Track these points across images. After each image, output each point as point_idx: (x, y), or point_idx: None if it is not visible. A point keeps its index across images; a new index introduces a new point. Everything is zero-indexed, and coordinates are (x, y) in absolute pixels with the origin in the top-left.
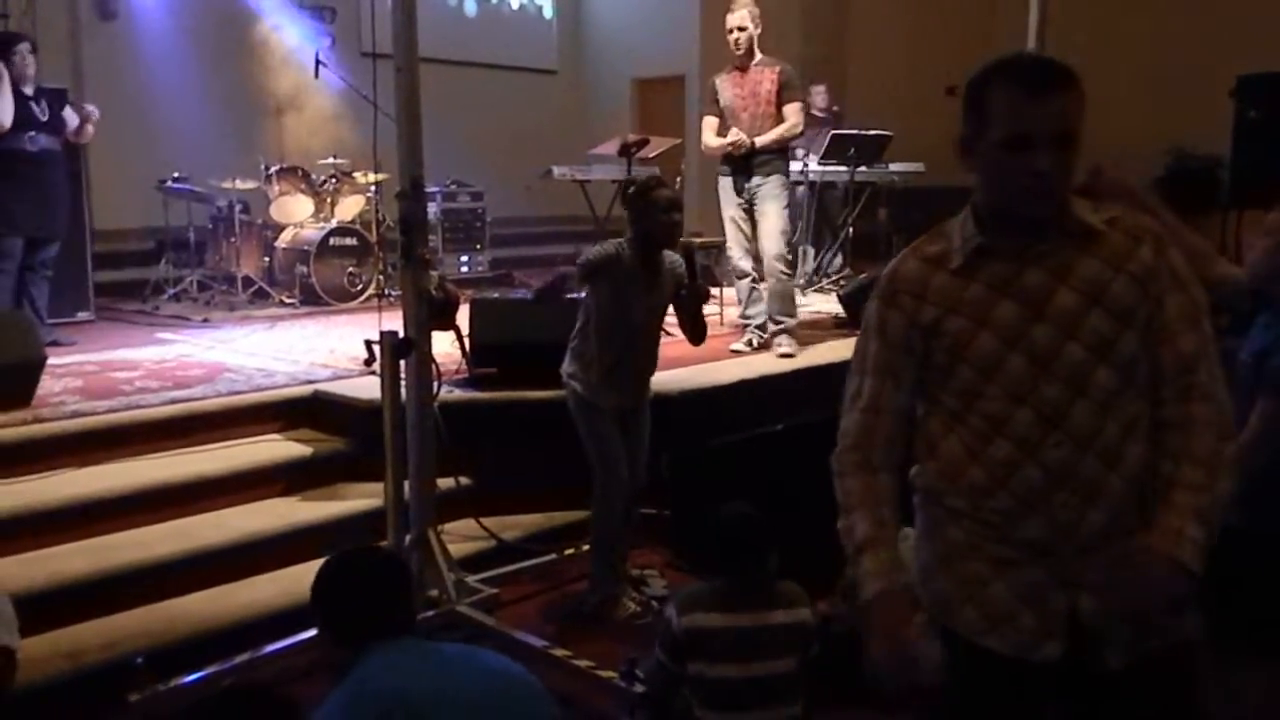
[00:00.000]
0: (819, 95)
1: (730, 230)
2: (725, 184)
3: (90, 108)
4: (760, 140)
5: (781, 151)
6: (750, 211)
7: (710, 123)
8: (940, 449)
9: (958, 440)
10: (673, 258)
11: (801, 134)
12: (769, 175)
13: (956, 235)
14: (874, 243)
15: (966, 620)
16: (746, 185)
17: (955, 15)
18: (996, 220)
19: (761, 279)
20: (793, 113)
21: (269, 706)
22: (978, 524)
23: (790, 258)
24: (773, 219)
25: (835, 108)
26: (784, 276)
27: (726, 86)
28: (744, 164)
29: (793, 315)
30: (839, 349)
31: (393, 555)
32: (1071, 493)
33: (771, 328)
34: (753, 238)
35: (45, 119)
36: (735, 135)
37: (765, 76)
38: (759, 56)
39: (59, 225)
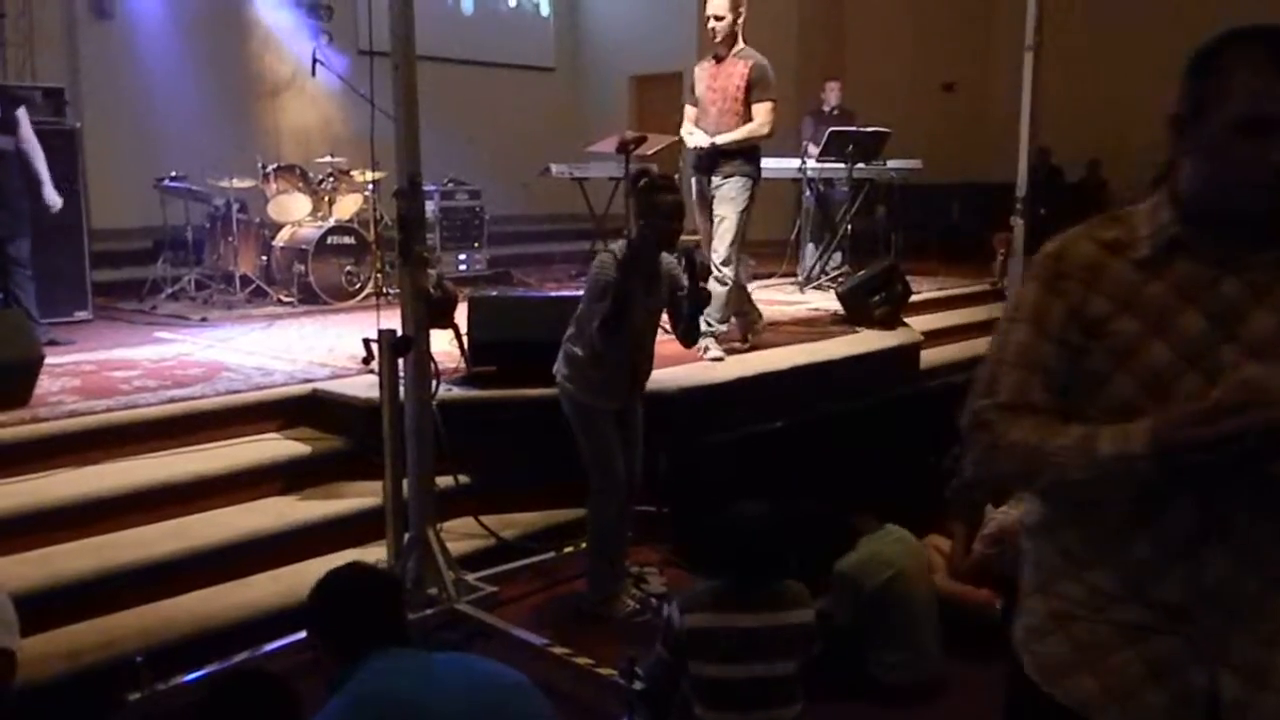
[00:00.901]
0: (832, 93)
1: (702, 229)
2: (692, 184)
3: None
4: (721, 139)
5: (747, 152)
6: (710, 211)
7: (688, 113)
8: (1099, 508)
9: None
10: (669, 259)
11: (770, 135)
12: (729, 177)
13: (1145, 223)
14: (873, 240)
15: (1081, 691)
16: (708, 185)
17: (953, 12)
18: (1203, 213)
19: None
20: (761, 113)
21: (268, 690)
22: (1106, 577)
23: (733, 261)
24: (726, 223)
25: (842, 106)
26: (720, 283)
27: (702, 77)
28: (708, 163)
29: (724, 321)
30: (838, 347)
31: (385, 571)
32: (1228, 547)
33: (705, 329)
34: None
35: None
36: (697, 138)
37: (737, 70)
38: (740, 48)
39: (17, 223)
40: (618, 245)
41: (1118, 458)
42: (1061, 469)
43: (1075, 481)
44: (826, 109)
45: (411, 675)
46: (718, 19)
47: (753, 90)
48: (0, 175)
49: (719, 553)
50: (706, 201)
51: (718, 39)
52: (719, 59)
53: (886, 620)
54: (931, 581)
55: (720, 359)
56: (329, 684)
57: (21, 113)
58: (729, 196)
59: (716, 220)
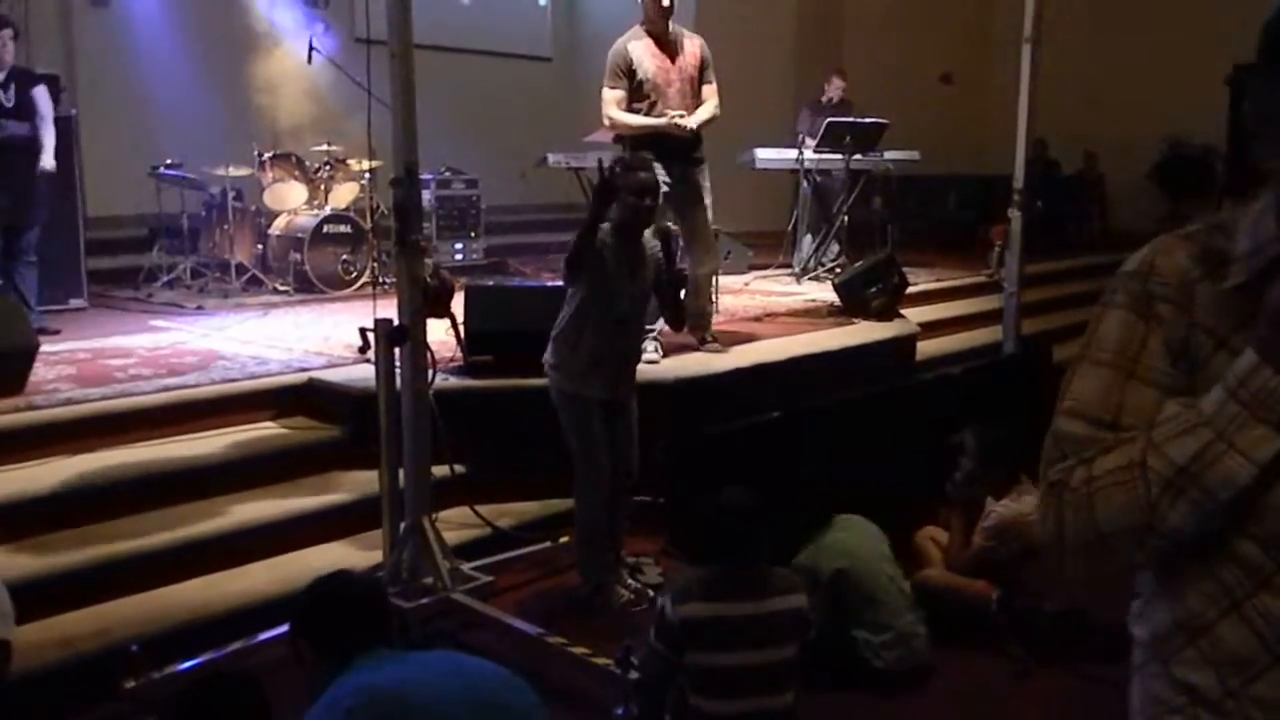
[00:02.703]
0: (836, 88)
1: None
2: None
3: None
4: (695, 122)
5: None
6: (670, 200)
7: (618, 96)
8: (1184, 577)
9: (1205, 571)
10: (652, 243)
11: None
12: (701, 164)
13: (1244, 235)
14: (869, 231)
15: None
16: (677, 172)
17: (951, 4)
18: None
19: None
20: (714, 94)
21: (240, 693)
22: (1194, 670)
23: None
24: (708, 212)
25: (843, 98)
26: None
27: (647, 57)
28: (678, 148)
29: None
30: (834, 338)
31: (369, 577)
32: None
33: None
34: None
35: (11, 105)
36: (679, 118)
37: (690, 50)
38: (672, 25)
39: (33, 211)
40: (602, 229)
41: (1239, 385)
42: (1169, 456)
43: (1191, 466)
44: (825, 100)
45: (396, 670)
46: None
47: (705, 71)
48: (15, 163)
49: (704, 539)
50: (670, 193)
51: (666, 18)
52: (659, 37)
53: (855, 604)
54: (895, 563)
55: (722, 350)
56: (311, 688)
57: (39, 91)
58: (706, 185)
59: (697, 211)
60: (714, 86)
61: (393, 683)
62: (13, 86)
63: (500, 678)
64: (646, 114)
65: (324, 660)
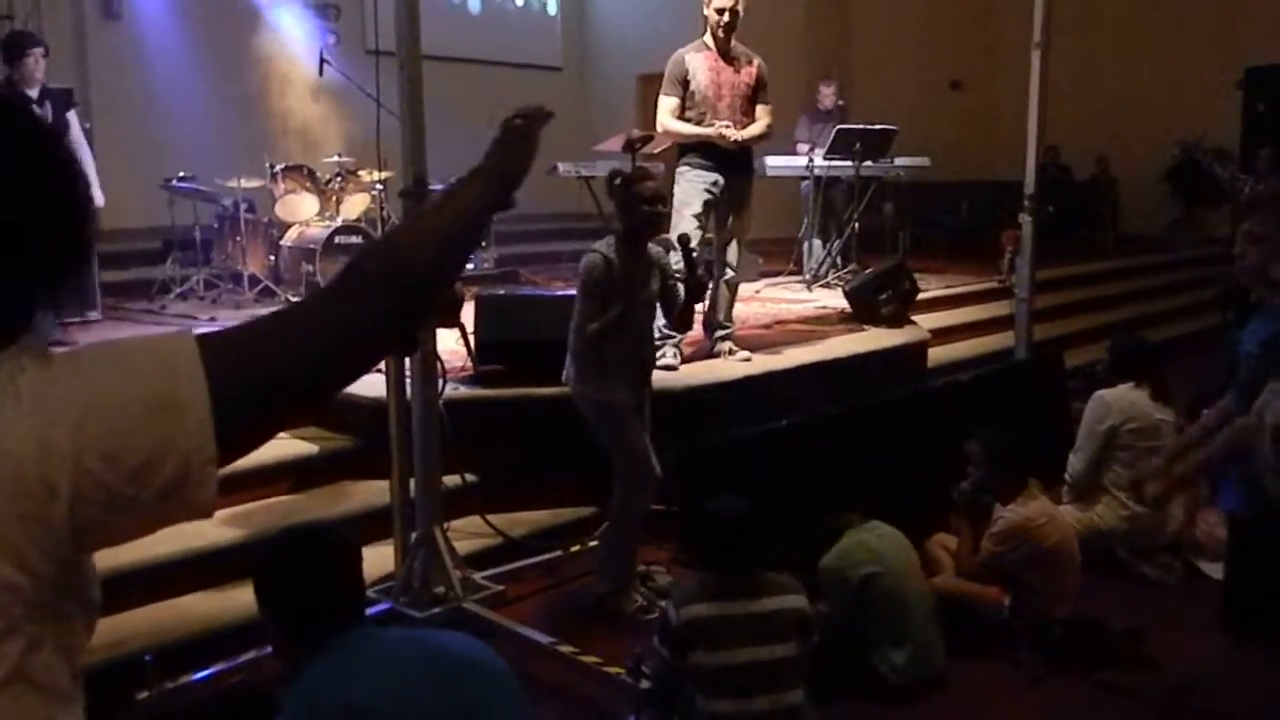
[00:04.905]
0: (827, 96)
1: (691, 226)
2: (698, 176)
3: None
4: (743, 136)
5: (751, 153)
6: (711, 209)
7: (672, 104)
8: None
9: None
10: (656, 249)
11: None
12: (749, 174)
13: None
14: (880, 238)
15: None
16: (724, 182)
17: (960, 10)
18: None
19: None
20: (767, 114)
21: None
22: None
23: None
24: (745, 224)
25: (841, 102)
26: (729, 285)
27: (702, 69)
28: (728, 159)
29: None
30: (845, 345)
31: (337, 533)
32: None
33: (721, 331)
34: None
35: (49, 122)
36: (725, 129)
37: (746, 68)
38: (736, 44)
39: None
40: (603, 243)
41: None
42: None
43: None
44: (821, 108)
45: (369, 674)
46: (734, 14)
47: (761, 91)
48: None
49: (701, 545)
50: (718, 201)
51: (726, 33)
52: (721, 53)
53: (880, 613)
54: (923, 577)
55: (748, 359)
56: (287, 672)
57: (72, 115)
58: (749, 200)
59: (738, 218)
60: (768, 107)
61: (361, 696)
62: (47, 104)
63: (474, 666)
64: (696, 124)
65: (290, 641)
